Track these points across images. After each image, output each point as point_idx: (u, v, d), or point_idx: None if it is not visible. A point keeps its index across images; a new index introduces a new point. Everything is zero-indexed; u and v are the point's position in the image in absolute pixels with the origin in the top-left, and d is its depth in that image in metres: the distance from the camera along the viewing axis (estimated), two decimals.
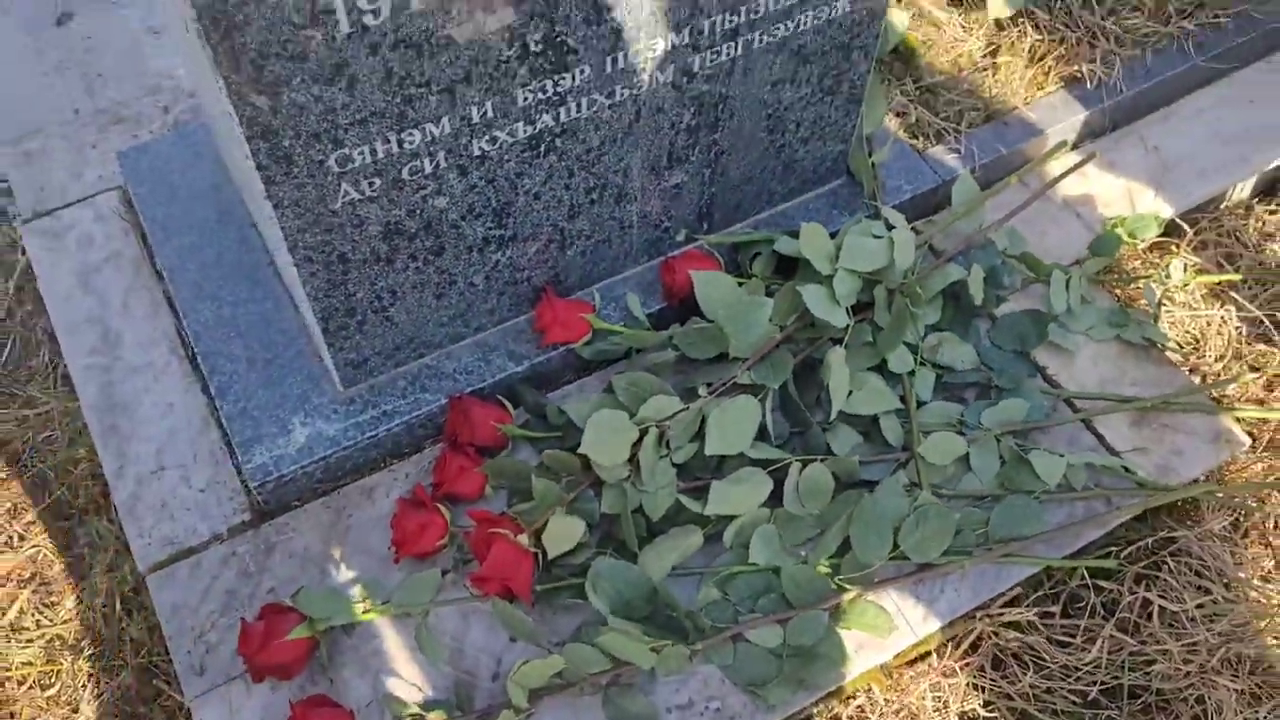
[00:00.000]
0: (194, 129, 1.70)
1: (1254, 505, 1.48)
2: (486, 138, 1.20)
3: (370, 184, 1.17)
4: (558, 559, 1.33)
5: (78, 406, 1.56)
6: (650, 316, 1.51)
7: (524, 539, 1.30)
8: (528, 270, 1.43)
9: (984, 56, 1.84)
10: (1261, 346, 1.65)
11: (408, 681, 1.29)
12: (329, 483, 1.42)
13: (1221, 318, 1.67)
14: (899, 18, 1.82)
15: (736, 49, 1.30)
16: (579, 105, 1.24)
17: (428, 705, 1.25)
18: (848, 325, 1.45)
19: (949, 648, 1.39)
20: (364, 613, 1.29)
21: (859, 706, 1.37)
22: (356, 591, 1.33)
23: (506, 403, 1.44)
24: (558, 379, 1.50)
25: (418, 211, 1.24)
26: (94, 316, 1.57)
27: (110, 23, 1.93)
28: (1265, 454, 1.54)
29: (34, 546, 1.52)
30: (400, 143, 1.14)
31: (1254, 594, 1.43)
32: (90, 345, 1.55)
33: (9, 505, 1.54)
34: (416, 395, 1.43)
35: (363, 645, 1.31)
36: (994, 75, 1.80)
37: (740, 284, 1.48)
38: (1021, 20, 1.87)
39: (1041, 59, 1.82)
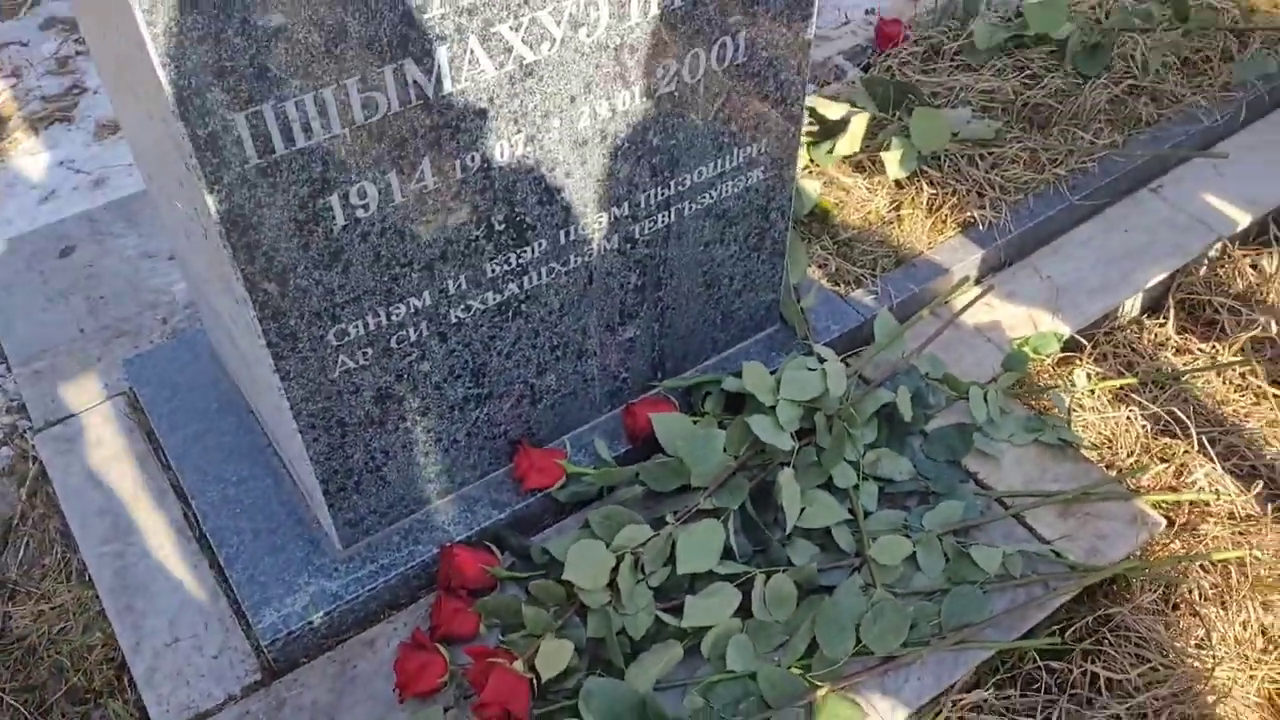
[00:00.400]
0: (191, 334, 1.88)
1: (1178, 578, 1.63)
2: (462, 306, 1.39)
3: (364, 354, 1.35)
4: (550, 683, 1.44)
5: (90, 596, 1.67)
6: (617, 458, 1.67)
7: (519, 665, 1.42)
8: (504, 425, 1.59)
9: (889, 211, 2.09)
10: (1166, 440, 1.84)
11: None
12: (333, 637, 1.53)
13: (1128, 418, 1.86)
14: (811, 185, 2.08)
15: (670, 216, 1.52)
16: (539, 274, 1.44)
17: None
18: (794, 449, 1.62)
19: None
20: None
21: None
22: None
23: (493, 548, 1.58)
24: (538, 523, 1.65)
25: (405, 376, 1.41)
26: (105, 509, 1.70)
27: (108, 251, 2.14)
28: (1181, 533, 1.70)
29: None
30: (389, 315, 1.33)
31: (1190, 660, 1.56)
32: (103, 535, 1.67)
33: (28, 695, 1.63)
34: (410, 548, 1.56)
35: None
36: (899, 226, 2.05)
37: (695, 422, 1.66)
38: (917, 179, 2.13)
39: (938, 209, 2.08)
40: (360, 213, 1.21)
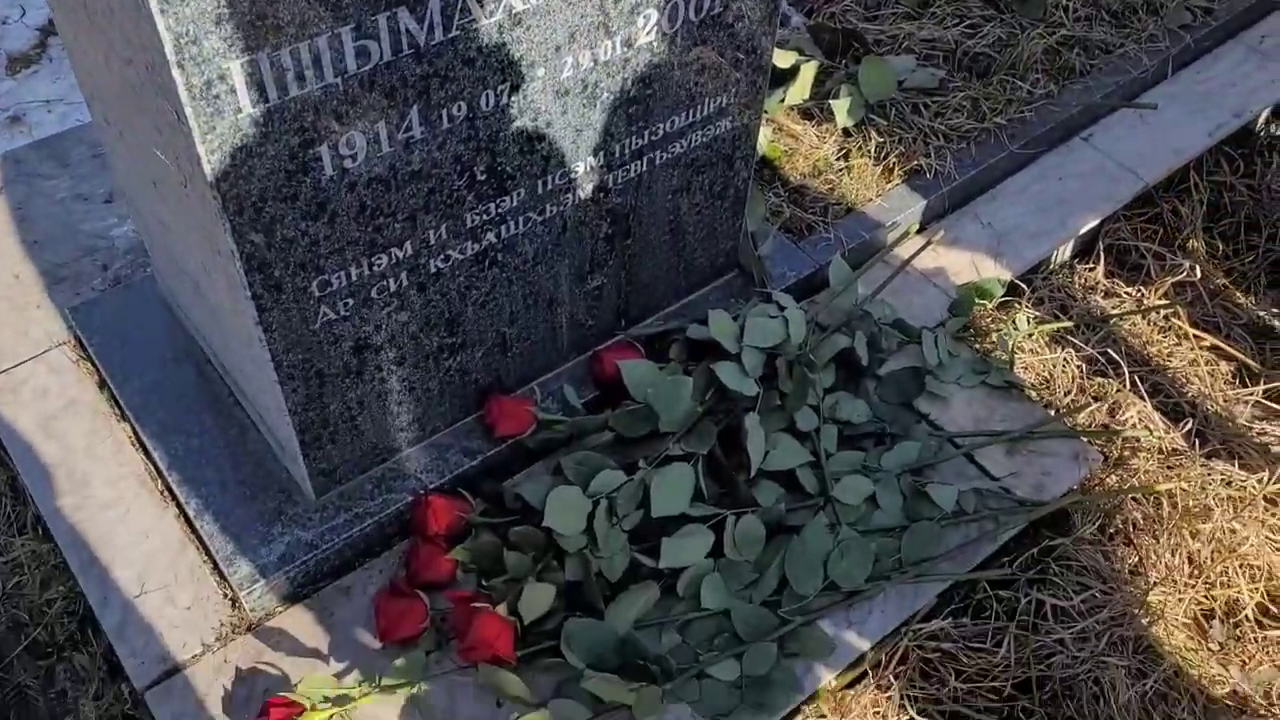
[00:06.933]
0: (140, 281, 1.83)
1: (1114, 511, 1.74)
2: (441, 256, 1.39)
3: (345, 304, 1.34)
4: (532, 626, 1.47)
5: (48, 550, 1.64)
6: (585, 405, 1.70)
7: (501, 609, 1.45)
8: (475, 374, 1.60)
9: (838, 159, 2.13)
10: (1100, 380, 1.94)
11: None
12: (309, 586, 1.53)
13: (1064, 359, 1.95)
14: (763, 133, 2.11)
15: (643, 166, 1.54)
16: (517, 223, 1.44)
17: None
18: (758, 394, 1.66)
19: (882, 664, 1.58)
20: (363, 695, 1.40)
21: None
22: (352, 678, 1.44)
23: (466, 494, 1.60)
24: (508, 469, 1.67)
25: (383, 326, 1.41)
26: (58, 461, 1.66)
27: (38, 193, 2.06)
28: (1116, 467, 1.81)
29: (14, 688, 1.57)
30: (371, 266, 1.32)
31: (1126, 586, 1.67)
32: (59, 488, 1.64)
33: None
34: (384, 496, 1.57)
35: None
36: (849, 174, 2.09)
37: (661, 369, 1.69)
38: (864, 127, 2.18)
39: (885, 157, 2.13)
40: (349, 163, 1.20)
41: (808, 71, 2.19)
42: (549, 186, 1.44)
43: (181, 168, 1.17)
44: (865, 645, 1.53)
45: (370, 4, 1.09)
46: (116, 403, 1.71)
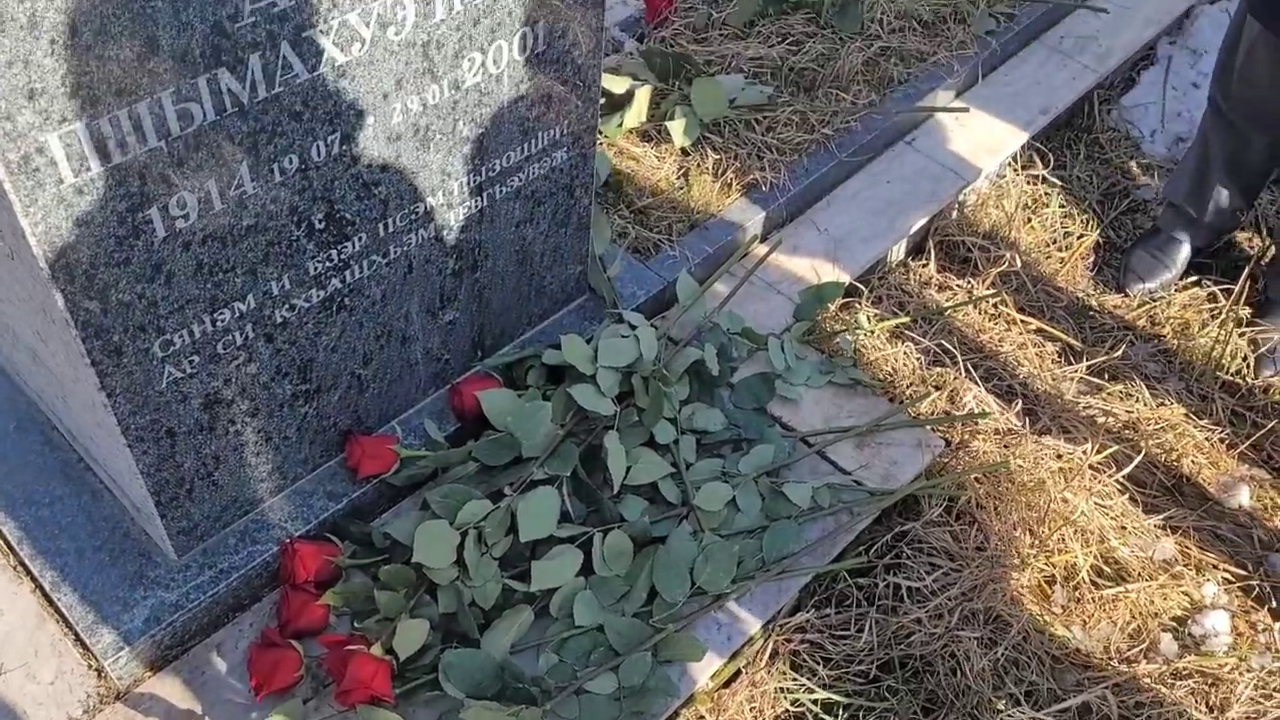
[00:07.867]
0: None
1: (958, 492, 1.85)
2: (286, 306, 1.40)
3: (190, 362, 1.33)
4: (409, 662, 1.49)
5: None
6: (447, 438, 1.72)
7: (376, 649, 1.46)
8: (333, 417, 1.61)
9: (678, 178, 2.21)
10: (938, 369, 2.06)
11: None
12: (178, 647, 1.52)
13: (905, 353, 2.06)
14: (604, 157, 2.17)
15: (483, 201, 1.57)
16: (361, 267, 1.46)
17: None
18: (615, 412, 1.71)
19: (753, 661, 1.64)
20: None
21: None
22: None
23: (333, 538, 1.60)
24: (375, 509, 1.68)
25: (233, 380, 1.41)
26: None
27: None
28: (958, 450, 1.92)
29: None
30: (214, 322, 1.32)
31: (974, 561, 1.77)
32: None
33: None
34: (249, 549, 1.56)
35: None
36: (689, 192, 2.17)
37: (520, 396, 1.73)
38: (701, 146, 2.26)
39: (723, 173, 2.21)
40: (181, 223, 1.20)
41: (643, 96, 2.26)
42: (391, 229, 1.46)
43: (6, 240, 1.16)
44: (736, 644, 1.60)
45: (189, 67, 1.10)
46: None
